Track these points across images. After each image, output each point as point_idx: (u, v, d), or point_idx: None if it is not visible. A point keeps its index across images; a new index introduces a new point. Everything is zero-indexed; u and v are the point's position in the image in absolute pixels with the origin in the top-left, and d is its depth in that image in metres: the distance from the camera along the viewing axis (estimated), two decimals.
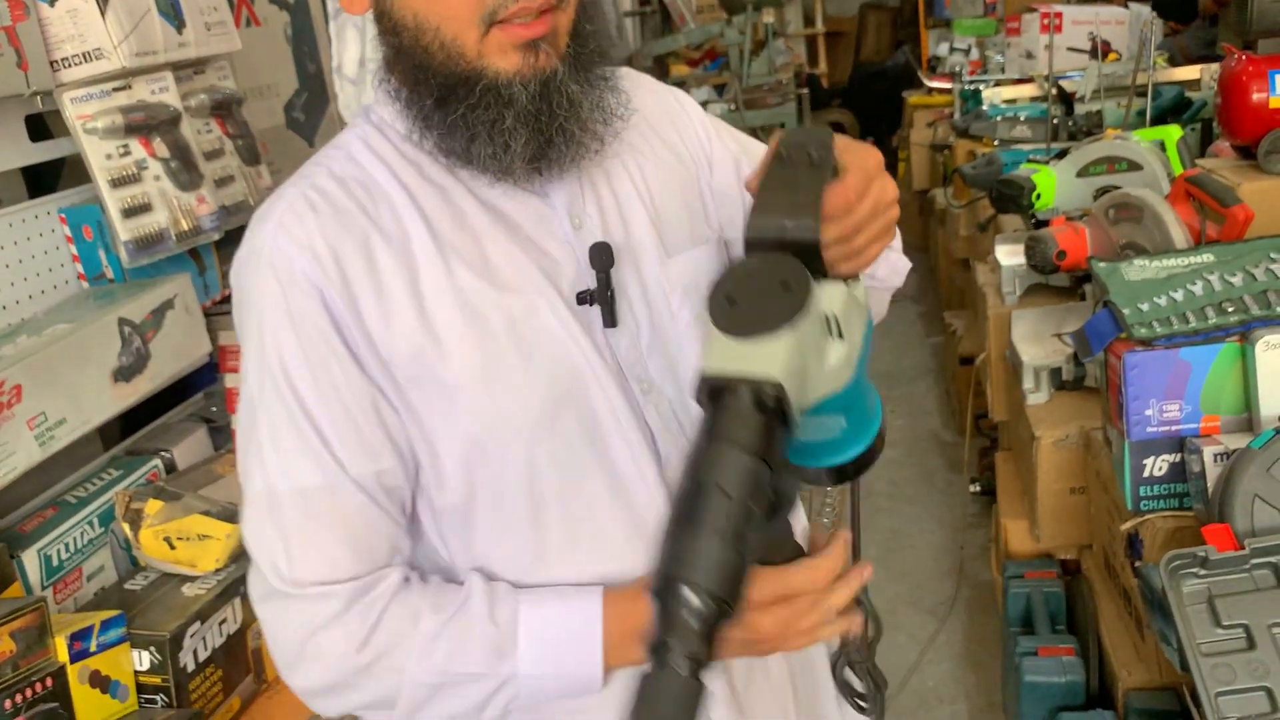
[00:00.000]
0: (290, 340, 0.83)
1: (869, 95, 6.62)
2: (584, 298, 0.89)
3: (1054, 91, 3.35)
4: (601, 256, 0.89)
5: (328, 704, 0.87)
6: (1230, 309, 1.44)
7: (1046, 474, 1.85)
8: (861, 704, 0.96)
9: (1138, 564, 1.49)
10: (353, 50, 1.70)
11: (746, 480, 0.65)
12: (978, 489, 2.79)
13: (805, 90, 4.76)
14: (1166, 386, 1.43)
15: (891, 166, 5.91)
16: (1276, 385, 1.36)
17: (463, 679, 0.83)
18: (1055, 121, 3.29)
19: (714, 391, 0.68)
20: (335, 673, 0.84)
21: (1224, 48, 2.47)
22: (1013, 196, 2.22)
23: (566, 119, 0.85)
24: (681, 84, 4.90)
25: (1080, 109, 3.37)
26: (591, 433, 0.88)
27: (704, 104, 4.50)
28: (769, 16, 4.51)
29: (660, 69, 5.10)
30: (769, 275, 0.71)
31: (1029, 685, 1.67)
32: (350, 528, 0.84)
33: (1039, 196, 2.21)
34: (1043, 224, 2.18)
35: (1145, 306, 1.50)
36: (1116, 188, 2.07)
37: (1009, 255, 2.22)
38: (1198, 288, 1.51)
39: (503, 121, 0.83)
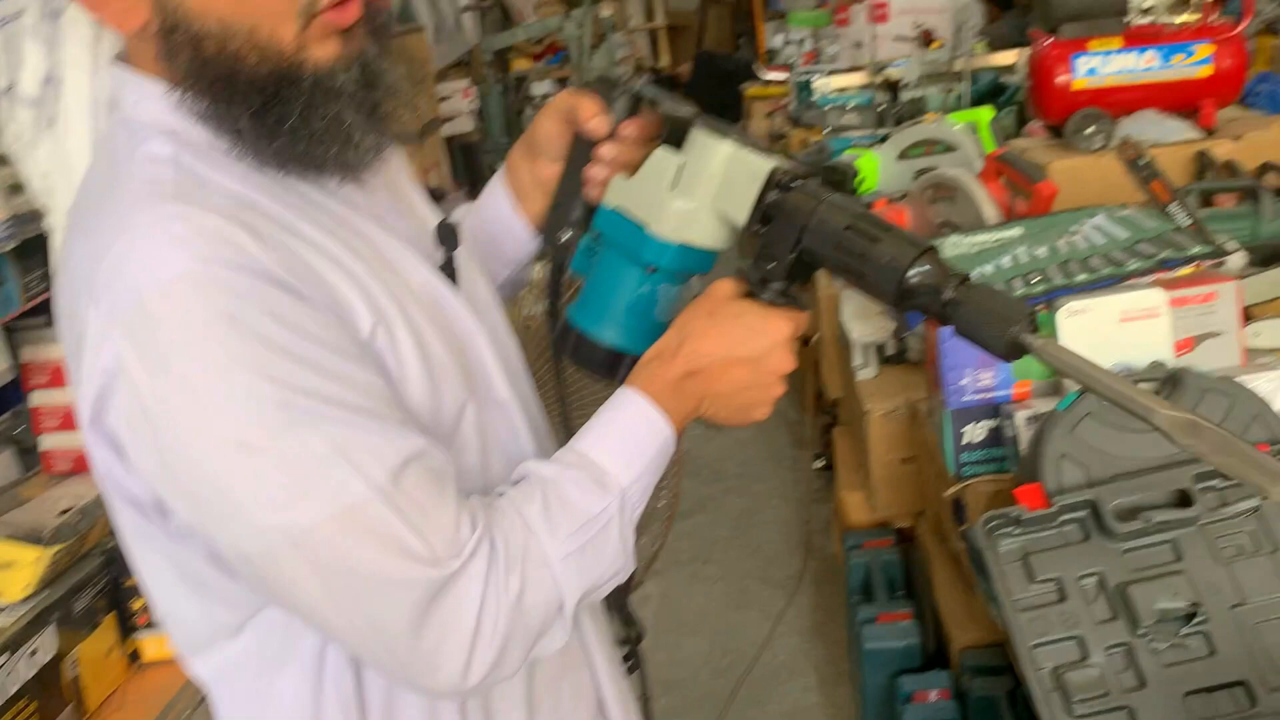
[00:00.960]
0: (285, 344, 0.75)
1: (713, 88, 6.71)
2: (446, 271, 0.93)
3: (879, 79, 3.46)
4: (449, 235, 0.94)
5: (524, 655, 0.83)
6: (1036, 280, 1.52)
7: (878, 446, 1.91)
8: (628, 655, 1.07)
9: (963, 527, 1.56)
10: (33, 65, 1.39)
11: None
12: (821, 464, 2.88)
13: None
14: (980, 356, 1.49)
15: None
16: (1079, 349, 1.43)
17: (594, 525, 0.85)
18: (881, 108, 3.40)
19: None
20: (529, 617, 0.81)
21: (1030, 33, 2.59)
22: (838, 182, 2.29)
23: (388, 101, 0.86)
24: (523, 78, 4.88)
25: (905, 95, 3.49)
26: (486, 380, 0.95)
27: (545, 97, 4.50)
28: (607, 10, 4.53)
29: (501, 63, 5.06)
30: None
31: (869, 652, 1.73)
32: (448, 481, 0.81)
33: (863, 180, 2.29)
34: (869, 206, 2.26)
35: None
36: (935, 169, 2.16)
37: None
38: (1006, 261, 1.58)
39: (343, 116, 0.82)
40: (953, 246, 1.68)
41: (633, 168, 0.96)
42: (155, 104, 0.83)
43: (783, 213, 0.87)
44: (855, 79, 3.92)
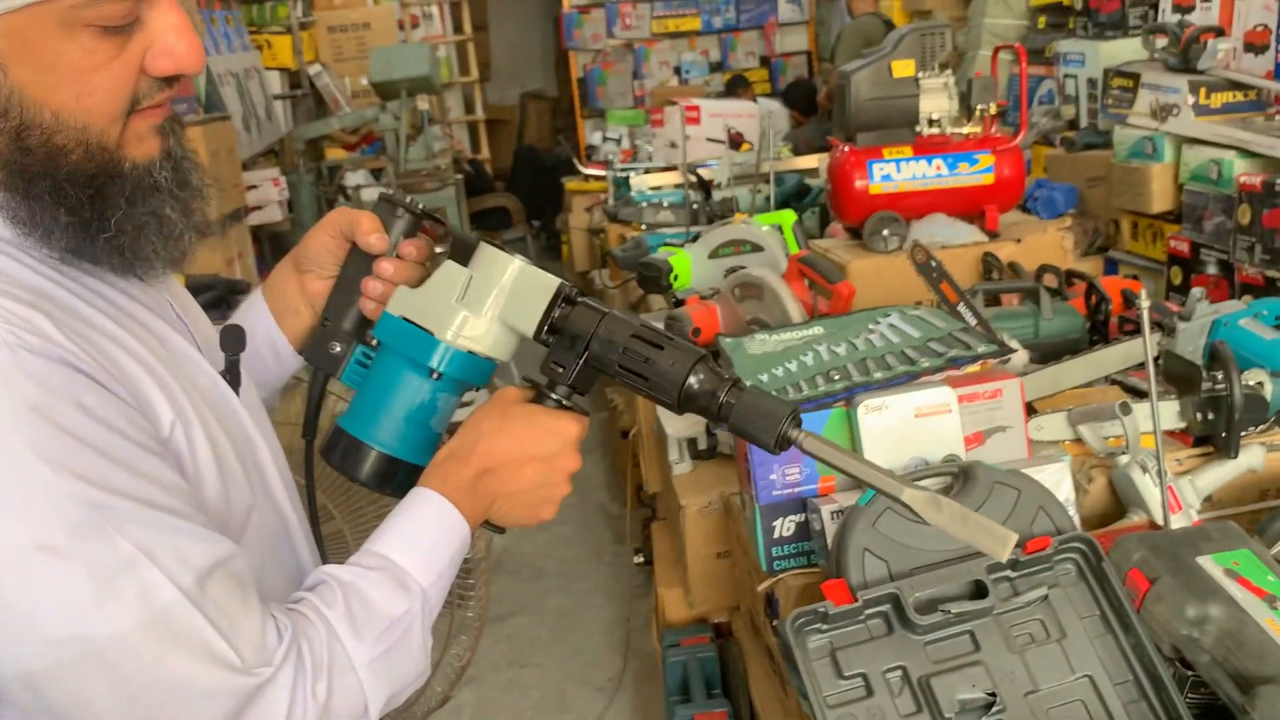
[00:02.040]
0: (94, 439, 0.72)
1: (532, 180, 6.80)
2: (224, 376, 0.94)
3: (693, 179, 3.58)
4: (236, 339, 0.96)
5: None
6: (837, 376, 1.57)
7: (694, 540, 1.92)
8: None
9: (775, 623, 1.57)
10: None
11: None
12: (641, 560, 2.87)
13: (460, 176, 4.81)
14: (787, 452, 1.52)
15: (556, 248, 6.12)
16: (878, 445, 1.48)
17: (397, 627, 0.85)
18: (695, 206, 3.51)
19: None
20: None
21: (830, 140, 2.74)
22: (653, 278, 2.33)
23: (197, 199, 0.87)
24: (337, 167, 4.81)
25: (717, 195, 3.62)
26: (265, 485, 0.96)
27: (359, 188, 4.45)
28: (424, 103, 4.54)
29: (315, 151, 4.98)
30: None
31: None
32: (250, 587, 0.80)
33: (677, 277, 2.34)
34: (682, 303, 2.30)
35: (765, 378, 1.60)
36: (743, 268, 2.23)
37: None
38: (809, 358, 1.63)
39: (162, 212, 0.83)
40: (760, 343, 1.72)
41: (412, 284, 1.00)
42: None
43: (571, 325, 0.93)
44: (670, 177, 4.05)
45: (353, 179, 4.31)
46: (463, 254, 0.98)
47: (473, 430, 0.94)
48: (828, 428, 1.52)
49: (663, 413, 2.09)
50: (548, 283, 0.94)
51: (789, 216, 2.43)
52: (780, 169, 3.66)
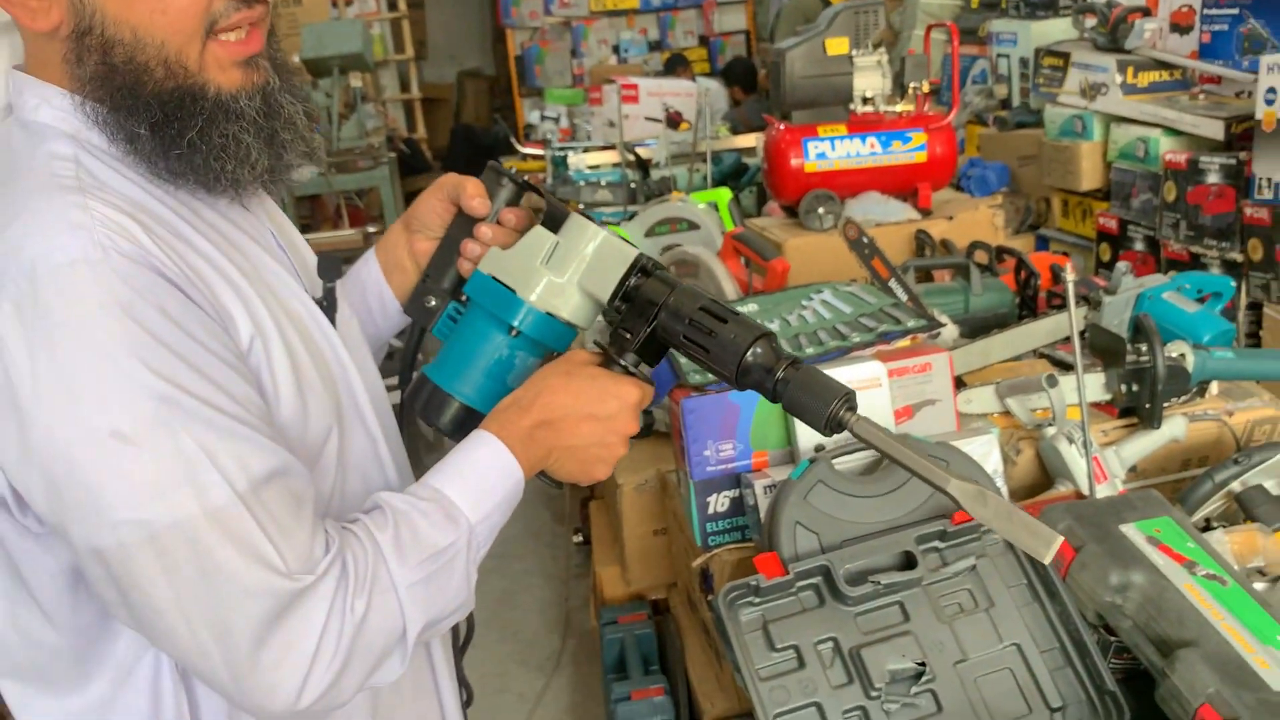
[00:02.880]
0: (172, 341, 0.77)
1: (469, 159, 6.72)
2: (320, 304, 0.97)
3: (630, 158, 3.56)
4: (332, 269, 1.00)
5: (360, 681, 0.84)
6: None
7: (630, 518, 1.92)
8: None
9: (710, 597, 1.57)
10: None
11: None
12: (580, 539, 2.87)
13: (394, 154, 4.74)
14: (720, 428, 1.52)
15: None
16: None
17: (441, 557, 0.87)
18: (633, 185, 3.50)
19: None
20: (371, 641, 0.82)
21: (765, 118, 2.74)
22: None
23: (287, 131, 0.91)
24: None
25: (655, 174, 3.60)
26: (357, 410, 0.99)
27: None
28: (357, 81, 4.46)
29: None
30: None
31: None
32: (307, 501, 0.83)
33: None
34: None
35: None
36: (679, 245, 2.22)
37: None
38: None
39: (241, 137, 0.86)
40: None
41: (506, 247, 1.03)
42: (55, 108, 0.85)
43: (642, 294, 0.96)
44: (608, 156, 4.03)
45: None
46: (554, 222, 1.02)
47: (537, 383, 0.96)
48: (761, 403, 1.52)
49: None
50: (626, 253, 0.98)
51: (724, 194, 2.43)
52: (718, 148, 3.66)
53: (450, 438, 1.02)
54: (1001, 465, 1.51)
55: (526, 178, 1.11)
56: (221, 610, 0.77)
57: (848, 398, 0.89)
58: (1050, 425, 1.59)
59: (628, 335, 0.96)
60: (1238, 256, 2.74)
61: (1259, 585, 1.31)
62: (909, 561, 1.30)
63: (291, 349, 0.89)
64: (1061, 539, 0.82)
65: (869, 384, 1.49)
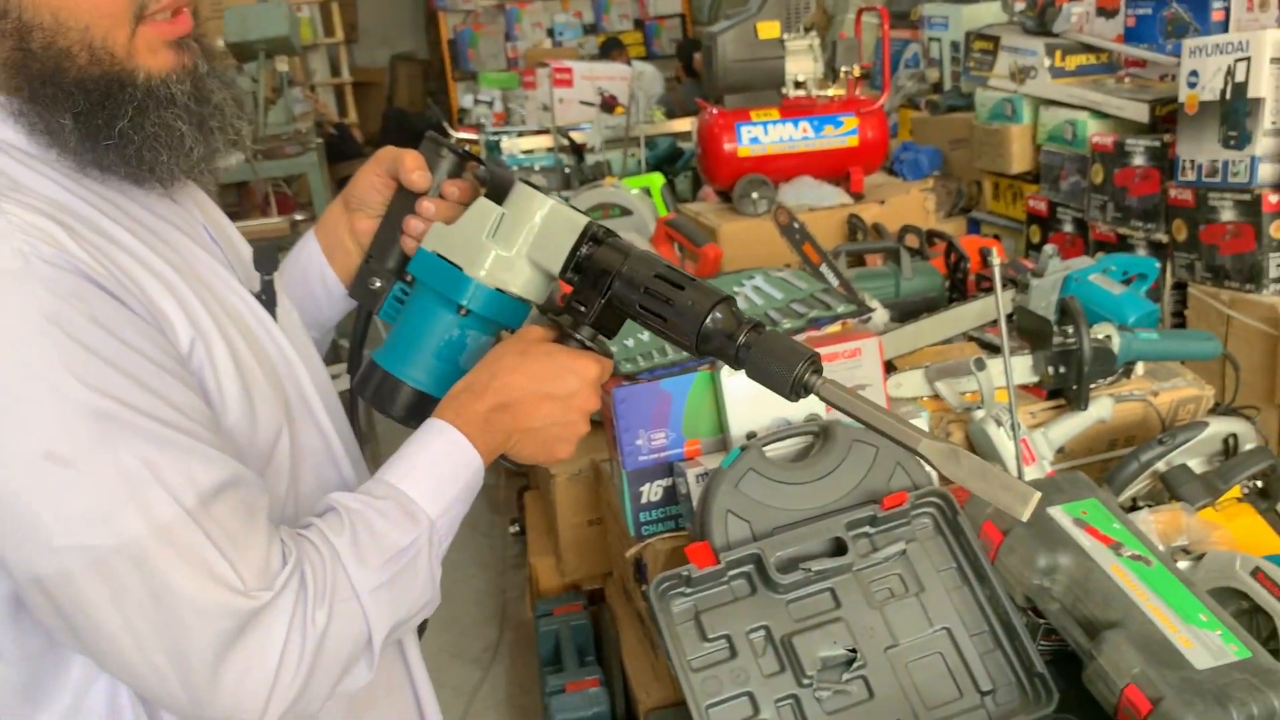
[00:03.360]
0: (106, 352, 0.72)
1: (401, 144, 6.62)
2: (259, 297, 0.93)
3: (564, 142, 3.53)
4: (268, 259, 0.96)
5: (327, 692, 0.80)
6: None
7: (565, 508, 1.90)
8: None
9: (644, 588, 1.56)
10: None
11: None
12: (517, 529, 2.84)
13: (323, 140, 4.64)
14: (652, 416, 1.50)
15: None
16: (742, 407, 1.48)
17: (402, 557, 0.83)
18: (567, 170, 3.46)
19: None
20: (336, 652, 0.79)
21: (699, 103, 2.72)
22: None
23: (216, 118, 0.87)
24: None
25: (590, 158, 3.57)
26: (307, 405, 0.95)
27: None
28: (284, 65, 4.36)
29: None
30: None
31: None
32: (260, 511, 0.79)
33: None
34: None
35: (630, 343, 1.58)
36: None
37: None
38: None
39: (175, 124, 0.82)
40: None
41: (450, 222, 0.99)
42: None
43: (595, 264, 0.93)
44: (542, 141, 3.99)
45: None
46: (499, 193, 0.98)
47: (491, 365, 0.92)
48: (693, 391, 1.51)
49: None
50: (576, 221, 0.94)
51: (657, 180, 2.41)
52: (652, 132, 3.64)
53: (404, 424, 0.98)
54: None
55: (466, 147, 1.07)
56: (176, 633, 0.73)
57: (812, 360, 0.86)
58: (979, 408, 1.59)
59: (582, 308, 0.93)
60: (1163, 237, 2.78)
61: (1182, 564, 1.33)
62: (840, 547, 1.29)
63: (234, 348, 0.84)
64: (1038, 494, 0.79)
65: None
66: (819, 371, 0.87)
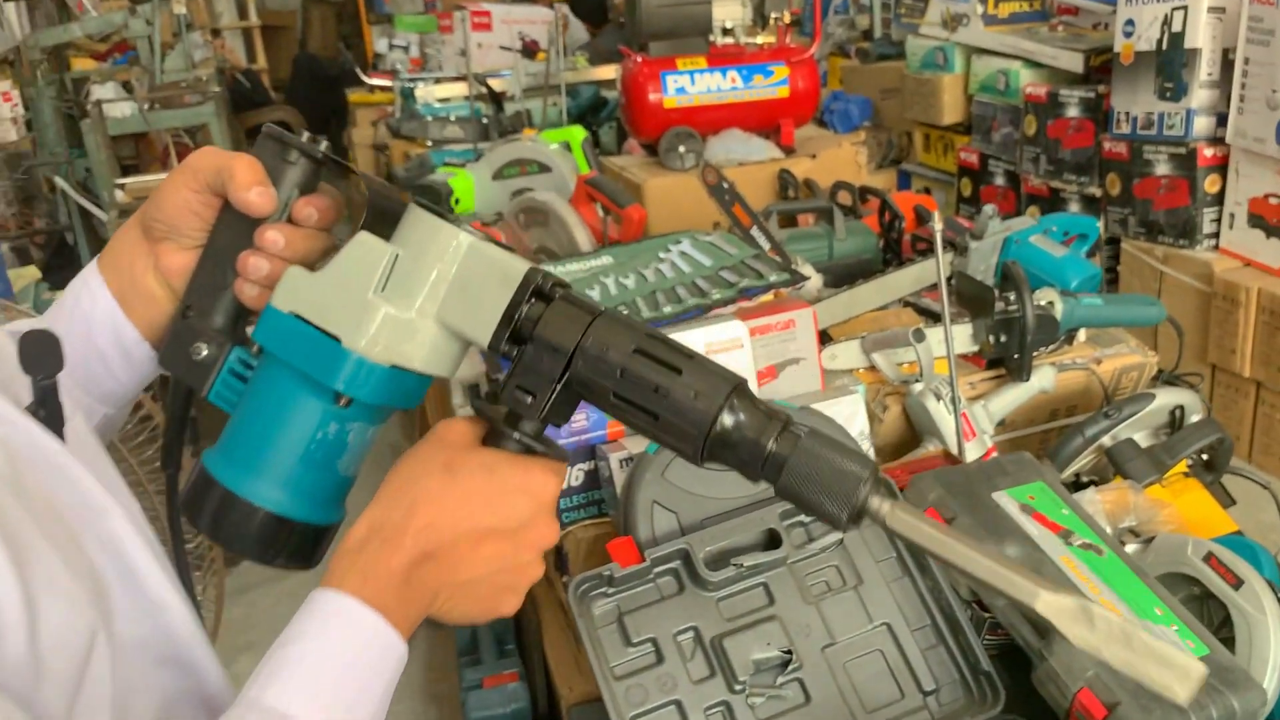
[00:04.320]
0: None
1: (313, 92, 6.34)
2: (34, 413, 0.67)
3: (482, 90, 3.36)
4: (44, 353, 0.67)
5: None
6: (625, 312, 1.44)
7: None
8: None
9: (565, 578, 1.45)
10: None
11: None
12: None
13: (227, 88, 4.39)
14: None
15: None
16: None
17: None
18: (485, 121, 3.30)
19: None
20: None
21: (622, 49, 2.58)
22: (432, 201, 2.13)
23: None
24: (84, 79, 4.30)
25: (510, 108, 3.41)
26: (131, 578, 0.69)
27: (105, 102, 4.00)
28: (180, 6, 4.10)
29: (59, 62, 4.44)
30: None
31: None
32: None
33: (458, 201, 2.15)
34: None
35: None
36: (530, 190, 2.06)
37: None
38: (595, 293, 1.50)
39: None
40: None
41: (311, 258, 0.72)
42: None
43: (544, 333, 0.65)
44: (460, 89, 3.81)
45: (100, 92, 3.84)
46: (384, 219, 0.69)
47: (405, 493, 0.65)
48: None
49: None
50: (510, 269, 0.66)
51: (578, 133, 2.28)
52: (575, 80, 3.49)
53: (259, 562, 0.71)
54: (868, 425, 1.43)
55: (325, 145, 0.75)
56: None
57: (874, 475, 0.64)
58: (917, 381, 1.51)
59: (528, 396, 0.66)
60: (1097, 191, 2.73)
61: (1131, 546, 1.26)
62: (773, 540, 1.20)
63: (3, 527, 0.57)
64: (1203, 668, 0.59)
65: (730, 345, 1.38)
66: (880, 489, 0.64)
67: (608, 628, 1.17)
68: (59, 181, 3.67)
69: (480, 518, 0.65)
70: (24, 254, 3.63)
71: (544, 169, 2.14)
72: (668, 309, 1.43)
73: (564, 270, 1.58)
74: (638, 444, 1.35)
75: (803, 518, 1.22)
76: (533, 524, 0.67)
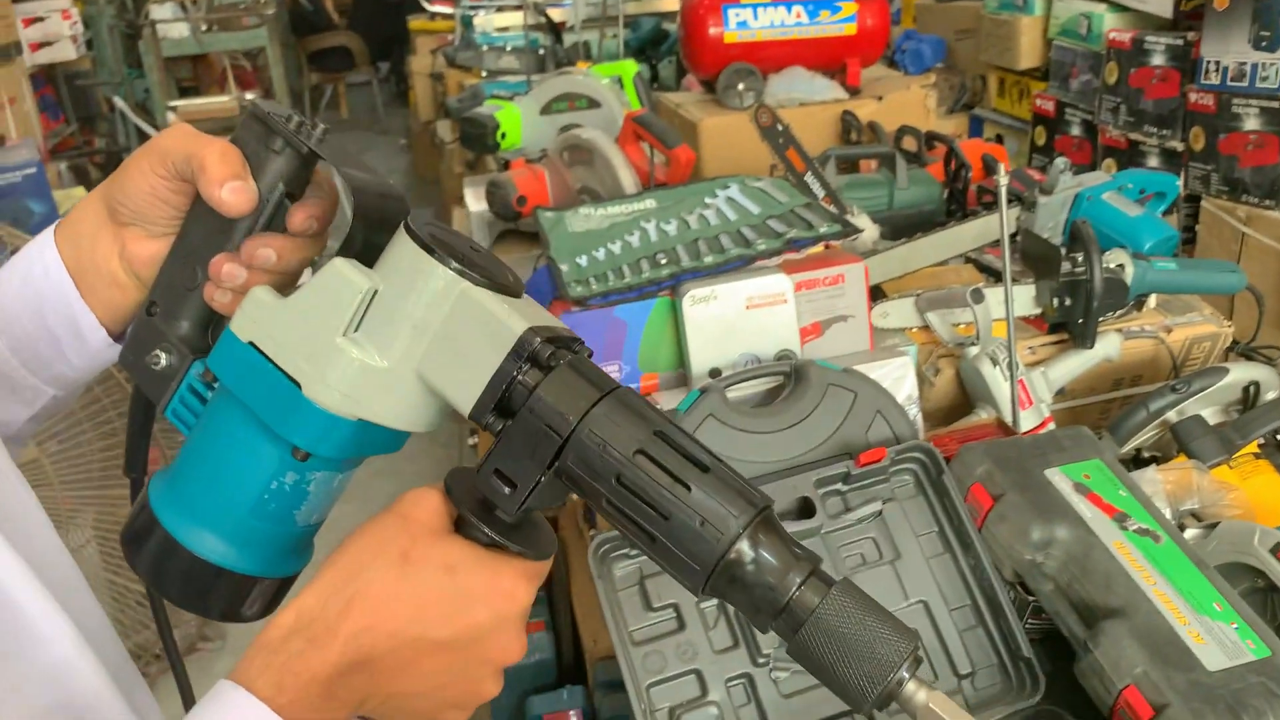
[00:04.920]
0: None
1: (376, 18, 6.27)
2: None
3: (540, 20, 3.27)
4: None
5: None
6: (664, 260, 1.37)
7: None
8: None
9: (592, 532, 1.41)
10: None
11: None
12: (474, 441, 2.69)
13: (281, 11, 4.34)
14: (604, 347, 1.34)
15: (406, 94, 5.70)
16: (704, 339, 1.31)
17: None
18: (543, 52, 3.21)
19: None
20: None
21: None
22: (477, 135, 2.07)
23: None
24: None
25: (569, 39, 3.32)
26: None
27: (162, 23, 3.97)
28: None
29: None
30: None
31: None
32: None
33: (505, 135, 2.08)
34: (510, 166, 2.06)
35: (583, 261, 1.40)
36: (578, 126, 1.99)
37: (478, 200, 2.08)
38: (635, 238, 1.43)
39: None
40: (584, 219, 1.51)
41: (288, 276, 0.63)
42: None
43: (536, 410, 0.55)
44: (518, 18, 3.71)
45: (158, 12, 3.81)
46: (372, 235, 0.60)
47: (347, 585, 0.55)
48: (651, 320, 1.33)
49: None
50: (504, 327, 0.55)
51: (629, 68, 2.19)
52: (636, 11, 3.38)
53: (201, 614, 0.64)
54: (917, 389, 1.36)
55: (321, 130, 0.64)
56: None
57: (914, 655, 0.54)
58: (973, 344, 1.42)
59: (507, 486, 0.56)
60: (1178, 145, 2.58)
61: (1191, 532, 1.18)
62: (806, 508, 1.14)
63: None
64: None
65: (772, 300, 1.31)
66: (917, 669, 0.54)
67: (628, 590, 1.13)
68: (118, 101, 3.67)
69: (430, 627, 0.55)
70: (82, 173, 3.65)
71: (593, 105, 2.06)
72: (709, 258, 1.36)
73: (603, 214, 1.52)
74: (671, 398, 1.30)
75: (840, 486, 1.16)
76: (491, 638, 0.57)
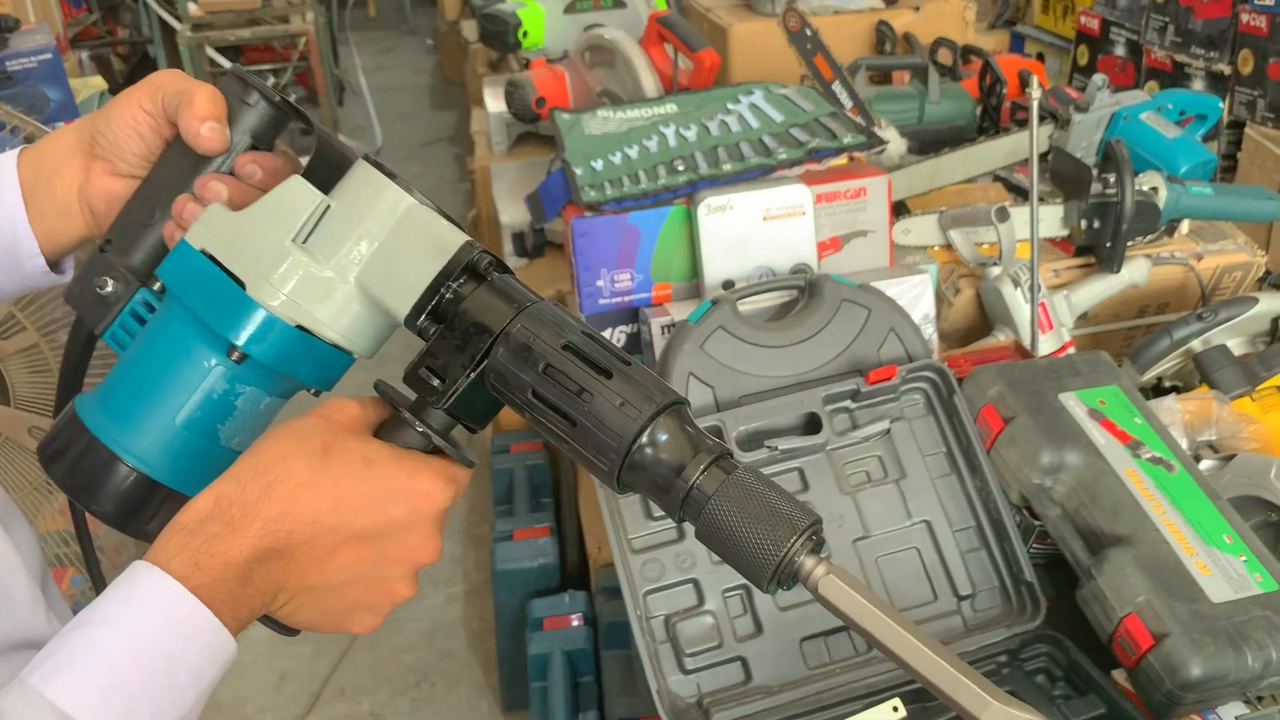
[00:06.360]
0: None
1: None
2: None
3: None
4: None
5: None
6: (681, 166, 1.34)
7: None
8: None
9: None
10: None
11: None
12: None
13: None
14: (617, 254, 1.31)
15: None
16: (719, 251, 1.28)
17: None
18: None
19: None
20: None
21: None
22: (498, 33, 2.02)
23: None
24: None
25: None
26: None
27: None
28: None
29: None
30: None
31: (499, 574, 1.57)
32: None
33: (526, 34, 2.03)
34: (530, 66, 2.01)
35: (598, 165, 1.36)
36: (602, 26, 1.93)
37: (497, 100, 2.03)
38: (653, 143, 1.39)
39: None
40: (602, 122, 1.47)
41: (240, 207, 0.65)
42: None
43: (468, 313, 0.58)
44: None
45: None
46: (328, 174, 0.63)
47: (265, 471, 0.56)
48: (665, 228, 1.30)
49: (499, 195, 1.83)
50: (445, 240, 0.59)
51: None
52: None
53: (118, 529, 0.64)
54: (934, 309, 1.33)
55: (293, 96, 0.70)
56: None
57: (812, 528, 0.55)
58: (995, 264, 1.39)
59: (437, 380, 0.58)
60: (1225, 69, 2.49)
61: (1207, 463, 1.15)
62: (813, 424, 1.12)
63: None
64: None
65: (791, 211, 1.28)
66: (819, 549, 0.55)
67: (630, 497, 1.12)
68: None
69: (347, 517, 0.56)
70: (105, 63, 3.60)
71: (618, 4, 1.99)
72: (728, 166, 1.32)
73: (622, 117, 1.47)
74: (683, 309, 1.27)
75: (849, 403, 1.14)
76: (406, 535, 0.57)
